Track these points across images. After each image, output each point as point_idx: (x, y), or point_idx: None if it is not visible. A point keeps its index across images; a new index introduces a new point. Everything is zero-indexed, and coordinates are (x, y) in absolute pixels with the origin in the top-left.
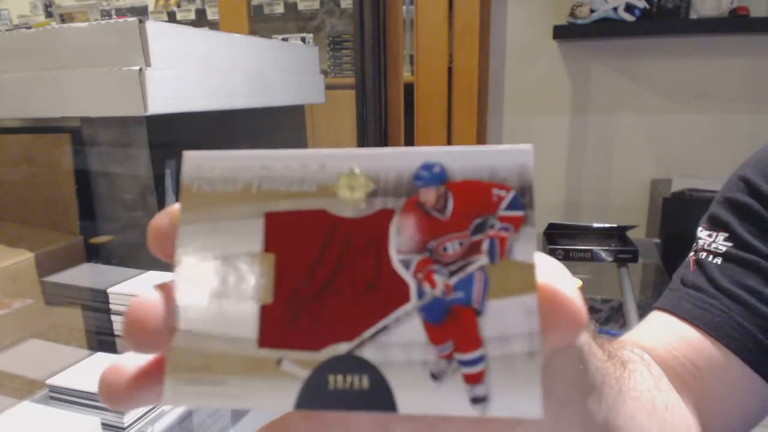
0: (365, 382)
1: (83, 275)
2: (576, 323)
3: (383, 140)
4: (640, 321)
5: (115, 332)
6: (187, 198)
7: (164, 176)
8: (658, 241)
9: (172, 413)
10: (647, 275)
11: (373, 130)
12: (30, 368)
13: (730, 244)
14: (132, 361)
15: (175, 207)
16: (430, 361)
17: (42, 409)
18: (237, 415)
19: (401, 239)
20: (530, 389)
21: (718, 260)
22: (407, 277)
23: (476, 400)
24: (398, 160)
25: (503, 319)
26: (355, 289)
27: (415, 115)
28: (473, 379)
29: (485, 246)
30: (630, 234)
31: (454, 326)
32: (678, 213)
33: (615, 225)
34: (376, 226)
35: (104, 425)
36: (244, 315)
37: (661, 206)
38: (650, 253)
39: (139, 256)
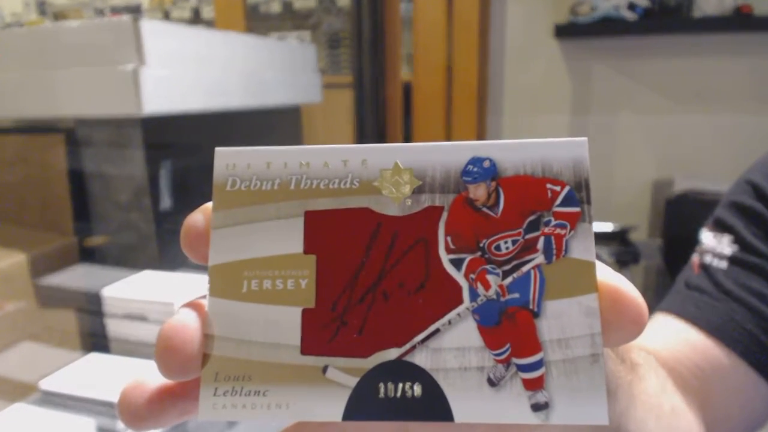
0: (417, 389)
1: (77, 277)
2: (640, 323)
3: (381, 140)
4: None
5: (110, 334)
6: (219, 197)
7: (159, 177)
8: (660, 242)
9: None
10: (649, 277)
11: (370, 130)
12: (23, 371)
13: (735, 247)
14: (155, 376)
15: (208, 206)
16: (487, 367)
17: (36, 411)
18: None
19: (451, 238)
20: (595, 394)
21: (723, 263)
22: (459, 278)
23: (537, 407)
24: (445, 154)
25: (562, 320)
26: (404, 291)
27: (413, 115)
28: (534, 385)
29: (540, 244)
30: (631, 235)
31: (510, 329)
32: (680, 214)
33: (616, 225)
34: (423, 224)
35: (100, 429)
36: (285, 320)
37: (664, 207)
38: (652, 254)
39: (134, 258)
